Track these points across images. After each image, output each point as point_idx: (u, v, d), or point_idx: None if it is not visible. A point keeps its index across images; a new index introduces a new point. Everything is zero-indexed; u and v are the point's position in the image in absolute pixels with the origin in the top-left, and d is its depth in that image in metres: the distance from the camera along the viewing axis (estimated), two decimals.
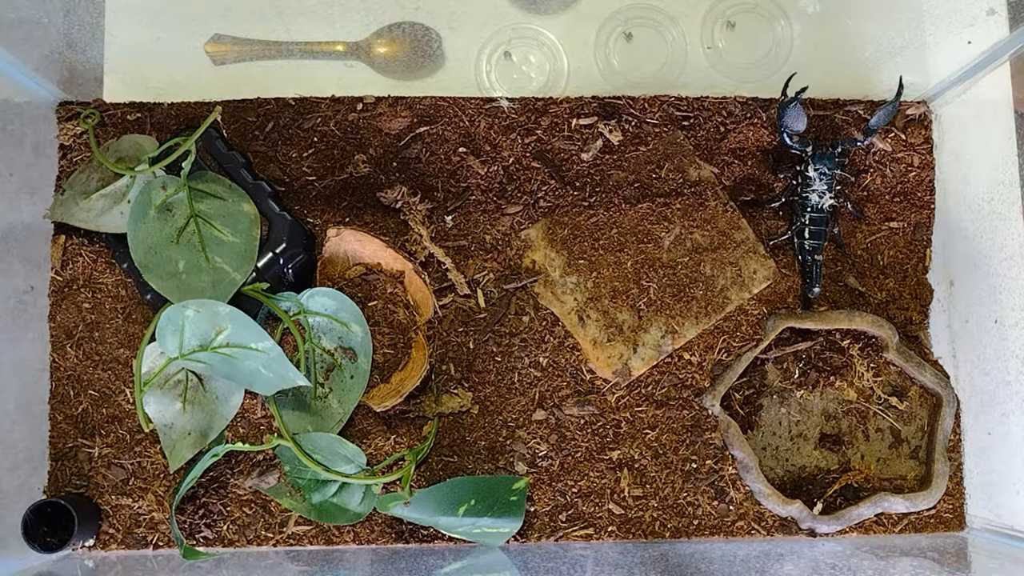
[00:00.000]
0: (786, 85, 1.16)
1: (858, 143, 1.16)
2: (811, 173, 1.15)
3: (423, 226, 1.16)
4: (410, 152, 1.19)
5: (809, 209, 1.16)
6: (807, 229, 1.16)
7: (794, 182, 1.17)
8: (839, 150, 1.15)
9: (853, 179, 1.19)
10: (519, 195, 1.19)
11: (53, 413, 1.15)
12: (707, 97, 1.20)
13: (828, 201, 1.15)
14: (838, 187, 1.16)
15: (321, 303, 1.12)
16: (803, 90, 1.15)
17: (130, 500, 1.14)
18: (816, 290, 1.16)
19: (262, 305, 1.11)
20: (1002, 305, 1.16)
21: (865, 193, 1.20)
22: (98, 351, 1.16)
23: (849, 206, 1.18)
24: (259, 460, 1.14)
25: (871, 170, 1.20)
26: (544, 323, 1.17)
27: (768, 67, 1.24)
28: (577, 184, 1.19)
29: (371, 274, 1.16)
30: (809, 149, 1.15)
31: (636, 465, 1.15)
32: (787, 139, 1.15)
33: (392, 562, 1.10)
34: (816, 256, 1.16)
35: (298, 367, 1.08)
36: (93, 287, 1.17)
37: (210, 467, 1.12)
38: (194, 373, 1.11)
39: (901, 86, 1.16)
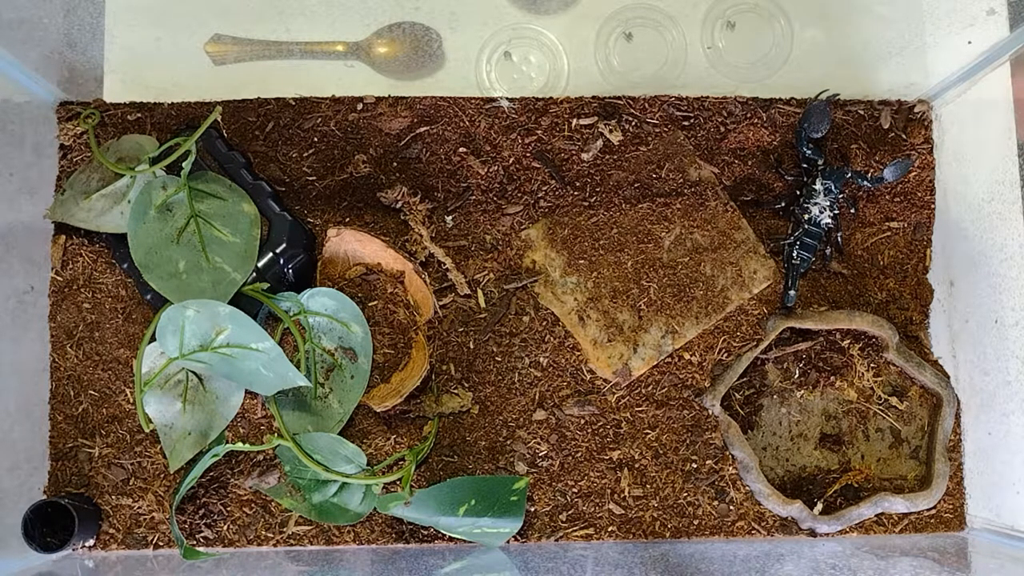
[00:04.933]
0: (819, 94, 1.16)
1: (865, 182, 1.16)
2: (818, 186, 1.15)
3: (423, 226, 1.16)
4: (410, 152, 1.19)
5: (807, 221, 1.15)
6: (800, 241, 1.16)
7: (797, 192, 1.17)
8: (849, 175, 1.15)
9: (853, 211, 1.18)
10: (519, 195, 1.19)
11: (53, 413, 1.15)
12: (707, 97, 1.20)
13: (827, 218, 1.15)
14: (838, 210, 1.16)
15: (321, 303, 1.12)
16: (835, 95, 1.16)
17: (130, 500, 1.14)
18: (792, 294, 1.16)
19: (262, 305, 1.11)
20: (1002, 305, 1.16)
21: (865, 193, 1.20)
22: (98, 351, 1.16)
23: (839, 236, 1.17)
24: (259, 460, 1.14)
25: (871, 170, 1.20)
26: (544, 323, 1.17)
27: (768, 67, 1.24)
28: (577, 184, 1.19)
29: (371, 274, 1.16)
30: (821, 162, 1.15)
31: (636, 465, 1.15)
32: (803, 144, 1.15)
33: (392, 562, 1.10)
34: (801, 269, 1.16)
35: (298, 367, 1.08)
36: (93, 287, 1.17)
37: (210, 467, 1.12)
38: (194, 373, 1.11)
39: (910, 159, 1.17)
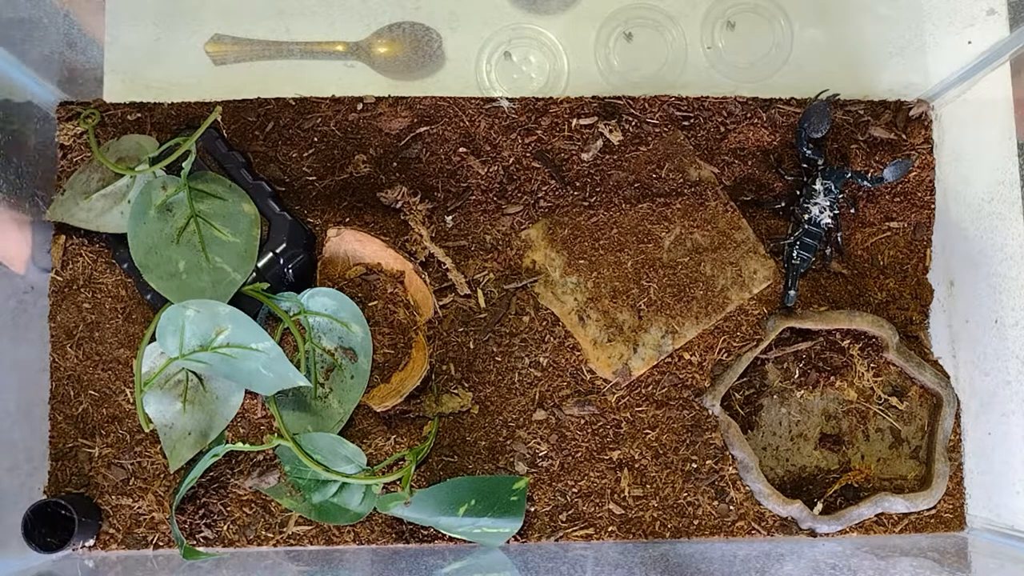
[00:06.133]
0: (819, 94, 1.16)
1: (865, 182, 1.16)
2: (817, 186, 1.15)
3: (423, 226, 1.16)
4: (410, 152, 1.19)
5: (807, 221, 1.15)
6: (800, 241, 1.16)
7: (798, 192, 1.17)
8: (849, 175, 1.15)
9: (853, 211, 1.18)
10: (519, 195, 1.19)
11: (53, 413, 1.15)
12: (707, 97, 1.20)
13: (827, 218, 1.15)
14: (838, 210, 1.16)
15: (321, 303, 1.12)
16: (835, 95, 1.16)
17: (130, 500, 1.14)
18: (792, 294, 1.16)
19: (262, 305, 1.11)
20: (1002, 305, 1.16)
21: (865, 193, 1.20)
22: (98, 351, 1.16)
23: (839, 236, 1.17)
24: (259, 460, 1.14)
25: (871, 170, 1.20)
26: (544, 323, 1.17)
27: (768, 67, 1.24)
28: (577, 184, 1.19)
29: (371, 274, 1.16)
30: (821, 162, 1.15)
31: (636, 465, 1.16)
32: (803, 144, 1.15)
33: (392, 562, 1.10)
34: (801, 269, 1.16)
35: (298, 367, 1.08)
36: (93, 287, 1.17)
37: (210, 467, 1.12)
38: (194, 373, 1.11)
39: (911, 159, 1.17)
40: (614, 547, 1.14)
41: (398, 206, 1.17)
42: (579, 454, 1.15)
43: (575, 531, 1.14)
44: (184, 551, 1.08)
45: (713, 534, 1.15)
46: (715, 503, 1.15)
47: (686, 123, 1.20)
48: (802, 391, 1.18)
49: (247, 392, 1.11)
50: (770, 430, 1.17)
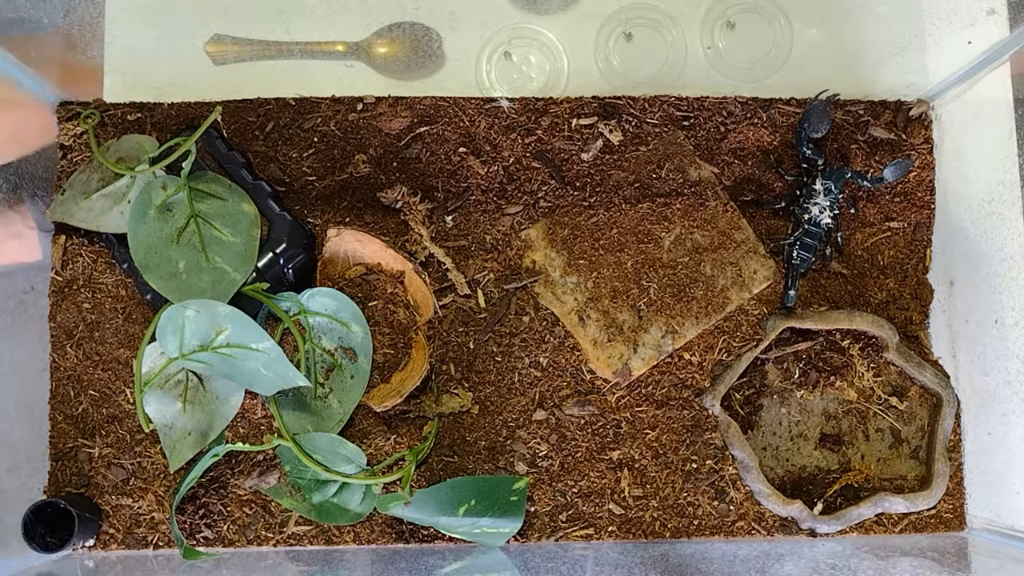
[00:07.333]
0: (819, 94, 1.17)
1: (865, 182, 1.16)
2: (817, 186, 1.15)
3: (423, 226, 1.16)
4: (410, 152, 1.19)
5: (807, 221, 1.15)
6: (800, 241, 1.16)
7: (798, 192, 1.17)
8: (849, 175, 1.15)
9: (853, 211, 1.18)
10: (519, 195, 1.19)
11: (53, 413, 1.15)
12: (707, 97, 1.20)
13: (827, 218, 1.15)
14: (838, 210, 1.16)
15: (321, 303, 1.12)
16: (835, 95, 1.16)
17: (130, 500, 1.14)
18: (792, 294, 1.16)
19: (262, 305, 1.11)
20: (1002, 305, 1.16)
21: (865, 193, 1.20)
22: (98, 351, 1.16)
23: (839, 236, 1.17)
24: (259, 460, 1.14)
25: (871, 170, 1.20)
26: (544, 323, 1.17)
27: (768, 67, 1.24)
28: (577, 184, 1.19)
29: (371, 274, 1.16)
30: (821, 162, 1.15)
31: (636, 465, 1.16)
32: (803, 144, 1.15)
33: (392, 562, 1.10)
34: (801, 269, 1.16)
35: (298, 367, 1.08)
36: (93, 287, 1.17)
37: (210, 467, 1.12)
38: (194, 373, 1.11)
39: (911, 159, 1.17)
40: (614, 547, 1.14)
41: (398, 206, 1.17)
42: (579, 454, 1.15)
43: (575, 531, 1.14)
44: (184, 551, 1.08)
45: (713, 534, 1.15)
46: (715, 503, 1.15)
47: (686, 123, 1.20)
48: (802, 391, 1.18)
49: (247, 392, 1.11)
50: (770, 430, 1.17)
